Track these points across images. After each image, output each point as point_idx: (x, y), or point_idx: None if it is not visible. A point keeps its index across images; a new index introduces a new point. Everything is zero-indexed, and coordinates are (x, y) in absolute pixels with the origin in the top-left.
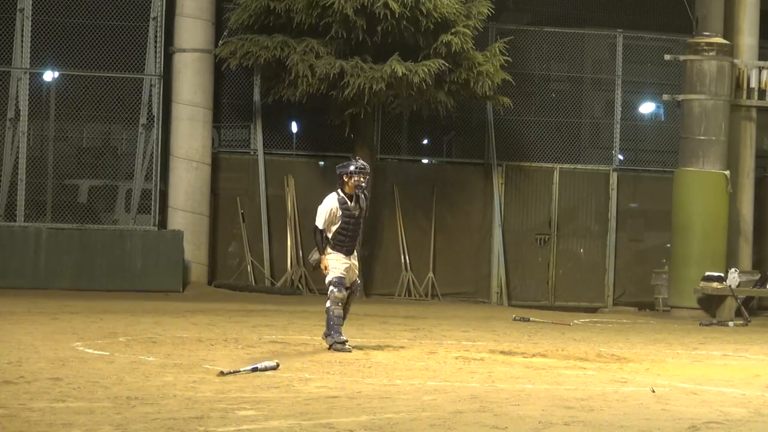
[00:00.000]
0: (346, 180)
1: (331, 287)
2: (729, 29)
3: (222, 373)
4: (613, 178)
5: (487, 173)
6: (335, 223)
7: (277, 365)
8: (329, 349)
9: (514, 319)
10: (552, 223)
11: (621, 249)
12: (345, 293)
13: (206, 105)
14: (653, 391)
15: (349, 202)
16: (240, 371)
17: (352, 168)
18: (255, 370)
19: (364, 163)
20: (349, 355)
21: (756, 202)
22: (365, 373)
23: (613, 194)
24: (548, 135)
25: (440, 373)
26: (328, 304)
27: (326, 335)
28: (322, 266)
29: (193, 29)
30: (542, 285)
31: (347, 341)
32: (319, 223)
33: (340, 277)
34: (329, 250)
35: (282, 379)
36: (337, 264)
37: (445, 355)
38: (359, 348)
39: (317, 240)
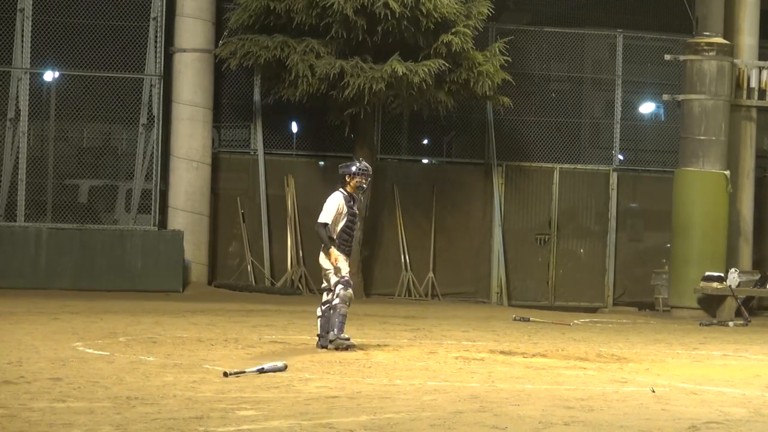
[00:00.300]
0: (348, 180)
1: (339, 286)
2: (729, 29)
3: (226, 374)
4: (613, 178)
5: (487, 173)
6: (339, 222)
7: (285, 367)
8: (332, 343)
9: (515, 319)
10: (552, 223)
11: (621, 249)
12: (352, 292)
13: (206, 105)
14: (653, 391)
15: (352, 201)
16: (245, 372)
17: (353, 168)
18: (261, 371)
19: (367, 165)
20: (349, 355)
21: (756, 202)
22: (365, 373)
23: (613, 194)
24: (548, 135)
25: (440, 373)
26: (336, 301)
27: (322, 335)
28: (332, 259)
29: (193, 29)
30: (542, 285)
31: (350, 339)
32: (328, 218)
33: (347, 277)
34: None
35: (282, 379)
36: (343, 264)
37: (445, 355)
38: (359, 348)
39: (323, 235)
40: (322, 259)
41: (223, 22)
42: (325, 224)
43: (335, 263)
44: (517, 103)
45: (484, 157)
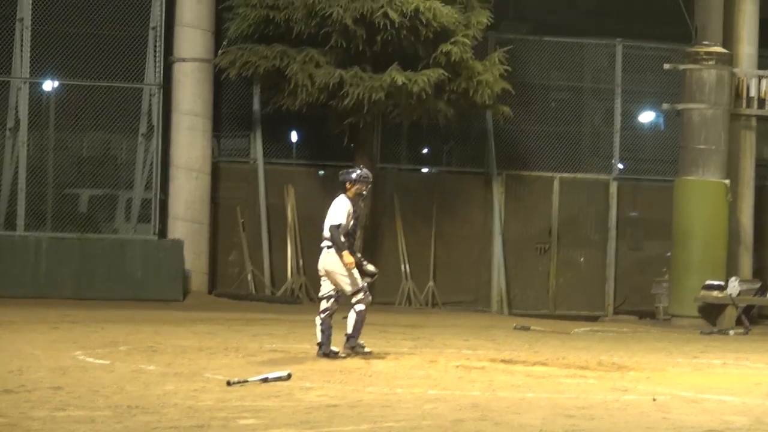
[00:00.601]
0: (348, 187)
1: (363, 293)
2: (728, 38)
3: (229, 383)
4: (613, 187)
5: (487, 182)
6: (348, 225)
7: (289, 376)
8: (352, 349)
9: (515, 328)
10: (552, 232)
11: (621, 258)
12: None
13: (206, 114)
14: (654, 400)
15: (355, 206)
16: (248, 381)
17: (354, 176)
18: (265, 380)
19: (368, 172)
20: (349, 363)
21: (756, 211)
22: (366, 382)
23: (613, 203)
24: (548, 144)
25: (441, 382)
26: (362, 307)
27: (323, 343)
28: (346, 261)
29: (192, 39)
30: (543, 294)
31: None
32: (342, 218)
33: (365, 284)
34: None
35: (283, 388)
36: (356, 270)
37: (445, 363)
38: (371, 356)
39: (338, 238)
40: (332, 263)
41: (223, 31)
42: (339, 225)
43: (350, 268)
44: (516, 112)
45: (484, 166)
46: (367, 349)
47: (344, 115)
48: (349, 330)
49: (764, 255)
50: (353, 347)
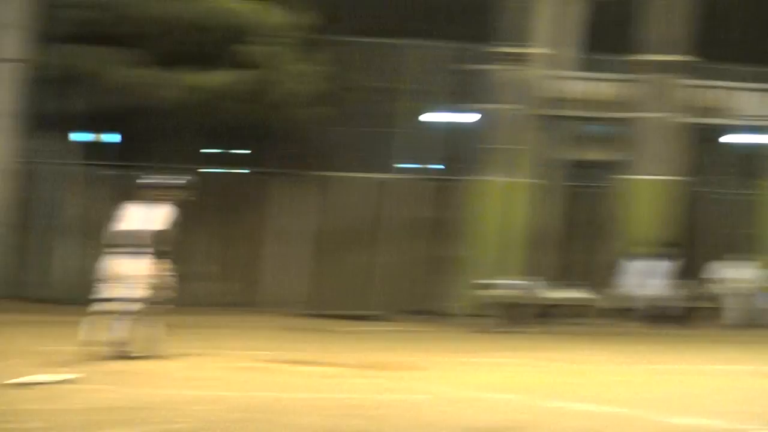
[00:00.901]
0: (161, 193)
1: (147, 302)
2: (529, 39)
3: (11, 385)
4: (397, 186)
5: (296, 183)
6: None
7: (72, 378)
8: (124, 354)
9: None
10: (353, 232)
11: (408, 257)
12: None
13: (12, 114)
14: (428, 399)
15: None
16: (31, 383)
17: (163, 182)
18: (46, 382)
19: (179, 178)
20: (136, 365)
21: (564, 211)
22: (149, 384)
23: (396, 203)
24: (342, 144)
25: (223, 383)
26: (147, 316)
27: (115, 343)
28: (161, 271)
29: (6, 37)
30: (336, 293)
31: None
32: (164, 225)
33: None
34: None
35: (64, 391)
36: (157, 280)
37: (226, 364)
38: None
39: (157, 244)
40: (136, 268)
41: (36, 31)
42: (161, 231)
43: (163, 277)
44: (320, 113)
45: (296, 167)
46: (135, 354)
47: (143, 115)
48: (123, 333)
49: (571, 255)
50: (125, 352)
